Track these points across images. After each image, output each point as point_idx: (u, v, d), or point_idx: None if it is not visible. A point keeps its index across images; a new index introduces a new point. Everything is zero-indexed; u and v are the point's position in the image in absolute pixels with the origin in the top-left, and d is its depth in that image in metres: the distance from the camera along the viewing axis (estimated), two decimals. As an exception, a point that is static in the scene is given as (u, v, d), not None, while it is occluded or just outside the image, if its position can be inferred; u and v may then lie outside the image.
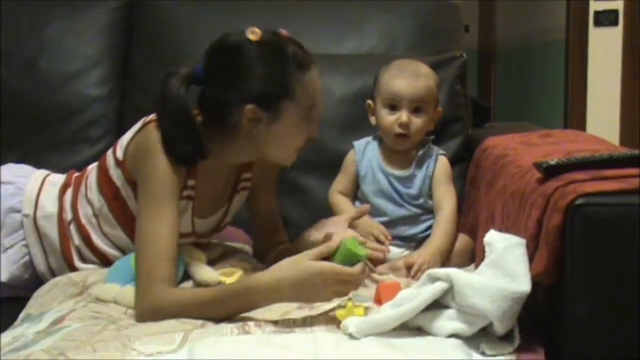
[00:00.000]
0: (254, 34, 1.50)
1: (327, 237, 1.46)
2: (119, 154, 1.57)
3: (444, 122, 1.91)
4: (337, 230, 1.60)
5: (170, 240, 1.44)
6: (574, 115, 3.76)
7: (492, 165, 1.67)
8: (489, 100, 4.70)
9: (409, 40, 2.14)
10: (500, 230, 1.40)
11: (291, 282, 1.32)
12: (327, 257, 1.35)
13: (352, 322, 1.27)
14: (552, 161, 1.33)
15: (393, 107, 1.75)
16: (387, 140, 1.79)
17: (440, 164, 1.80)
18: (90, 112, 2.09)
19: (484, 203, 1.68)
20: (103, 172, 1.60)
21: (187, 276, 1.55)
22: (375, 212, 1.76)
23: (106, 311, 1.43)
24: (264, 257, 1.74)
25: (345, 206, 1.80)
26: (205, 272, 1.53)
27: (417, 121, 1.75)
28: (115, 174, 1.58)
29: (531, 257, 1.27)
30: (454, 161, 1.90)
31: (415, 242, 1.77)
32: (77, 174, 1.72)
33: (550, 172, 1.31)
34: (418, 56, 1.98)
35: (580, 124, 3.68)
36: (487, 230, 1.38)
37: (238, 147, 1.56)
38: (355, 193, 1.83)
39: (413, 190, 1.77)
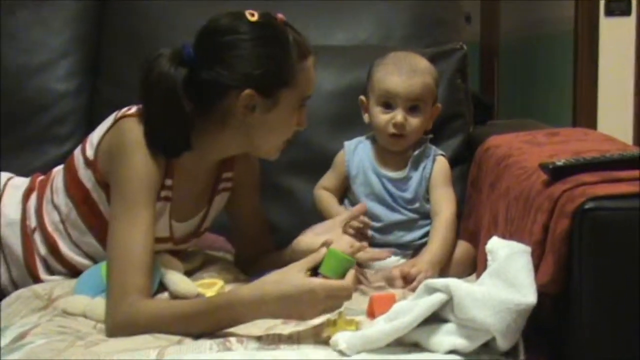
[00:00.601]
0: (253, 15, 1.51)
1: (327, 244, 1.44)
2: (89, 153, 1.55)
3: (443, 120, 1.91)
4: (333, 235, 1.59)
5: (145, 246, 1.42)
6: (583, 112, 3.77)
7: (495, 166, 1.67)
8: (492, 96, 4.71)
9: (405, 31, 2.14)
10: (503, 236, 1.41)
11: (278, 298, 1.31)
12: (315, 267, 1.34)
13: (342, 338, 1.26)
14: (560, 162, 1.33)
15: (387, 105, 1.74)
16: (381, 140, 1.78)
17: (438, 165, 1.79)
18: (57, 108, 2.07)
19: (485, 207, 1.68)
20: (71, 174, 1.59)
21: (162, 287, 1.53)
22: (367, 216, 1.75)
23: (74, 325, 1.41)
24: (248, 266, 1.73)
25: (330, 200, 1.81)
26: (182, 284, 1.52)
27: (414, 121, 1.74)
28: (85, 175, 1.56)
29: (537, 266, 1.28)
30: (453, 162, 1.89)
31: (412, 249, 1.76)
32: (41, 177, 1.71)
33: (557, 173, 1.31)
34: (415, 48, 1.98)
35: (590, 122, 3.69)
36: (489, 237, 1.39)
37: (225, 137, 1.55)
38: (342, 193, 1.83)
39: (408, 194, 1.76)
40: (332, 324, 1.35)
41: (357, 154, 1.81)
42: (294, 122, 1.55)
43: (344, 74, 2.00)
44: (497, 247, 1.32)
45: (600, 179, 1.25)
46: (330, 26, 2.14)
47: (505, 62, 4.88)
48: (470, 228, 1.79)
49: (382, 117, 1.75)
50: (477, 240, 1.71)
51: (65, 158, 1.67)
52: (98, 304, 1.45)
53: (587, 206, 1.20)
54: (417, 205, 1.77)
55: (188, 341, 1.31)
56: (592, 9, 3.72)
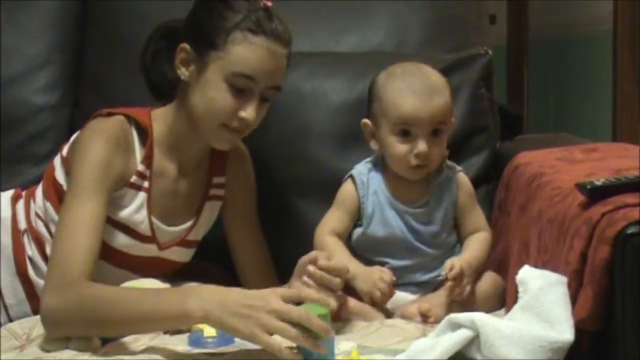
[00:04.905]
0: None
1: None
2: (65, 150, 1.71)
3: (465, 135, 1.92)
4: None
5: (91, 231, 1.53)
6: (624, 125, 3.77)
7: (525, 186, 1.68)
8: (521, 107, 4.72)
9: (423, 35, 2.15)
10: (535, 265, 1.41)
11: (232, 299, 1.37)
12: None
13: (355, 379, 1.28)
14: (598, 181, 1.34)
15: (405, 132, 1.69)
16: (399, 170, 1.73)
17: (463, 186, 1.77)
18: (35, 123, 2.09)
19: (515, 232, 1.69)
20: (48, 176, 1.73)
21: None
22: (381, 260, 1.71)
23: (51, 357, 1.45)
24: None
25: (340, 251, 1.70)
26: None
27: (437, 147, 1.70)
28: (60, 173, 1.69)
29: (573, 298, 1.28)
30: (477, 181, 1.90)
31: (432, 286, 1.73)
32: (25, 191, 1.81)
33: (595, 194, 1.32)
34: (434, 53, 1.99)
35: (632, 135, 3.69)
36: (519, 266, 1.39)
37: (181, 110, 1.68)
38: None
39: (435, 227, 1.73)
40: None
41: (371, 187, 1.75)
42: (227, 98, 1.61)
43: (354, 83, 1.99)
44: (529, 277, 1.33)
45: (645, 201, 1.26)
46: (338, 29, 2.16)
47: (536, 68, 4.89)
48: (498, 257, 1.79)
49: (400, 147, 1.69)
50: (505, 270, 1.72)
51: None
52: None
53: (629, 231, 1.21)
54: (443, 237, 1.74)
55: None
56: (634, 7, 3.73)
